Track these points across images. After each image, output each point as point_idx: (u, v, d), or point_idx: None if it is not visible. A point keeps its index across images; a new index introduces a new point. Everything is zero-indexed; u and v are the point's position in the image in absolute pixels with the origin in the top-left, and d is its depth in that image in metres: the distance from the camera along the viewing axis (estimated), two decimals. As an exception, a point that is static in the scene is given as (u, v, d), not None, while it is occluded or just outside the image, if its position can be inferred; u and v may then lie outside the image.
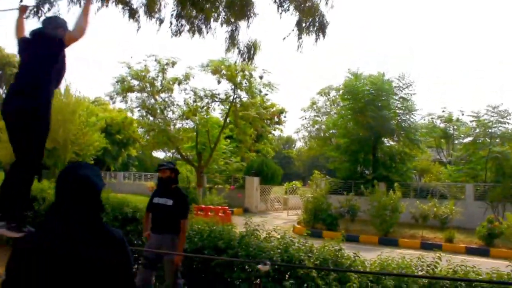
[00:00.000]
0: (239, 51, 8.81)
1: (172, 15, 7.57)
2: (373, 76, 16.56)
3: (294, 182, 20.63)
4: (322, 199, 13.07)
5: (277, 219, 17.03)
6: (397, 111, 16.22)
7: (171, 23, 7.50)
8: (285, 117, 28.35)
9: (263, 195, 20.27)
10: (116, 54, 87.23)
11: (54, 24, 2.86)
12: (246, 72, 16.72)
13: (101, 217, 1.45)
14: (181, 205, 4.41)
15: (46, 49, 2.69)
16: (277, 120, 26.88)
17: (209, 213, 14.48)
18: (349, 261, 4.04)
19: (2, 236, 2.78)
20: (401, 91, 16.68)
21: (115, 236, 1.40)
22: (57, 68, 2.71)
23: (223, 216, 14.42)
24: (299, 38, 8.03)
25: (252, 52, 9.08)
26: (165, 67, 17.43)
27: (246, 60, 9.15)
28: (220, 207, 15.29)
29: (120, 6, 7.07)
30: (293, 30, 8.13)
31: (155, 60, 17.31)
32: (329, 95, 24.93)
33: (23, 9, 3.14)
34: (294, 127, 64.40)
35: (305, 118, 25.69)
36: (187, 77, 17.69)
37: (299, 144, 43.34)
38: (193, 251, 4.58)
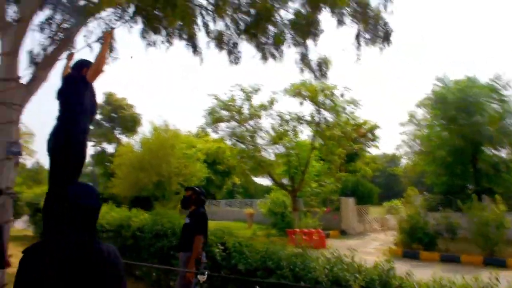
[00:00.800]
0: (311, 69, 9.63)
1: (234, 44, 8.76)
2: (461, 81, 15.63)
3: (393, 201, 20.02)
4: (418, 217, 12.59)
5: (375, 240, 16.77)
6: (495, 115, 14.87)
7: (230, 52, 8.71)
8: (373, 134, 27.50)
9: (361, 216, 20.08)
10: (206, 87, 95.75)
11: (79, 65, 3.49)
12: (327, 92, 17.31)
13: (96, 233, 1.67)
14: (196, 222, 4.83)
15: (72, 87, 3.32)
16: (371, 137, 26.37)
17: (303, 237, 14.72)
18: (399, 282, 3.86)
19: None
20: (499, 93, 15.29)
21: (108, 250, 1.62)
22: (85, 100, 3.27)
23: (316, 239, 14.80)
24: (359, 48, 8.53)
25: (324, 68, 9.82)
26: (250, 94, 18.96)
27: (319, 77, 9.91)
28: (313, 230, 15.60)
29: (184, 42, 8.59)
30: (355, 42, 8.69)
31: (240, 89, 18.90)
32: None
33: (70, 57, 3.93)
34: (394, 143, 61.43)
35: (405, 133, 24.78)
36: (271, 102, 18.81)
37: (404, 161, 41.35)
38: (248, 272, 4.81)
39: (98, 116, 40.25)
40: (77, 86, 3.26)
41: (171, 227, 6.45)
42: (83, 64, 3.54)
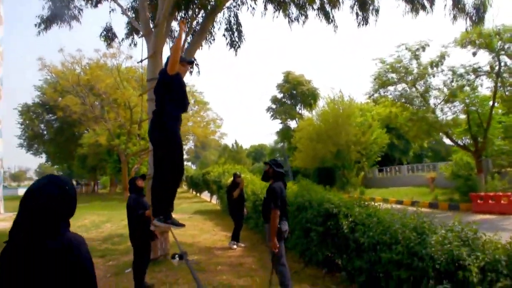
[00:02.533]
0: (467, 14, 10.23)
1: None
2: None
3: None
4: None
5: None
6: None
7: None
8: None
9: None
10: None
11: (166, 60, 3.70)
12: (507, 34, 16.27)
13: (63, 223, 1.78)
14: (269, 197, 5.26)
15: (160, 79, 3.63)
16: None
17: (489, 201, 14.86)
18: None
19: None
20: None
21: (71, 240, 1.74)
22: (170, 91, 3.53)
23: (505, 204, 14.39)
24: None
25: (481, 11, 10.26)
26: (417, 52, 19.16)
27: (476, 22, 10.43)
28: (501, 194, 15.11)
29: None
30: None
31: (406, 48, 19.14)
32: None
33: (182, 23, 3.71)
34: None
35: None
36: (441, 56, 18.51)
37: None
38: (370, 246, 4.96)
39: (279, 95, 46.30)
40: (162, 77, 3.58)
41: (308, 199, 7.04)
42: (167, 58, 3.77)
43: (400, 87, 20.55)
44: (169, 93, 3.52)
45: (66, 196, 1.82)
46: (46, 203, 1.74)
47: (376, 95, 21.37)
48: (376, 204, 6.14)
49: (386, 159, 33.88)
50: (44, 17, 10.47)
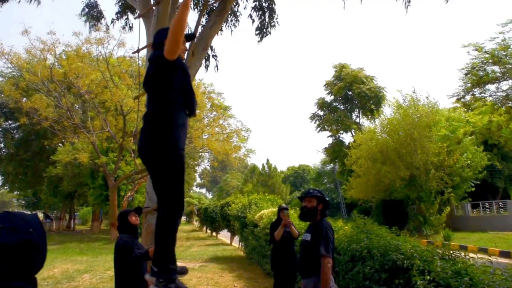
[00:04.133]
0: None
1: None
2: None
3: None
4: None
5: None
6: None
7: None
8: None
9: None
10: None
11: (157, 37, 3.70)
12: None
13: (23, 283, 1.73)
14: (319, 239, 5.26)
15: (150, 68, 3.54)
16: None
17: None
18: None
19: None
20: None
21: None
22: (174, 84, 3.49)
23: None
24: None
25: None
26: None
27: None
28: None
29: None
30: None
31: None
32: None
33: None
34: None
35: None
36: None
37: None
38: None
39: (328, 97, 46.28)
40: (157, 66, 3.48)
41: (367, 247, 6.91)
42: (160, 35, 3.70)
43: (505, 85, 20.16)
44: (170, 88, 3.47)
45: (30, 246, 1.74)
46: None
47: (468, 97, 21.01)
48: (468, 256, 5.97)
49: (483, 189, 33.13)
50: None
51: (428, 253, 6.02)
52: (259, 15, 11.12)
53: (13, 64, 31.22)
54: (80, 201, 43.24)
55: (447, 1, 10.85)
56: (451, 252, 6.08)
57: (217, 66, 11.26)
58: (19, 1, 10.96)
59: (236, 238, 21.08)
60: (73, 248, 25.02)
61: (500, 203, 30.99)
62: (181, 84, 3.53)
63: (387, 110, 45.52)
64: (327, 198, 5.63)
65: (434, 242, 17.72)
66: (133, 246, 5.60)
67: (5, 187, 50.22)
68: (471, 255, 5.94)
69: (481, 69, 19.92)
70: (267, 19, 11.10)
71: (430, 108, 28.41)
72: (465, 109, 28.13)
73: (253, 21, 11.16)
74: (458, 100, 21.79)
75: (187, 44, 4.49)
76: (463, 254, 6.05)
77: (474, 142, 28.49)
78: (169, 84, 3.45)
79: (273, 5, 11.19)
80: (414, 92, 28.86)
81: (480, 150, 28.70)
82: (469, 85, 20.48)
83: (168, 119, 3.44)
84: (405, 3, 11.04)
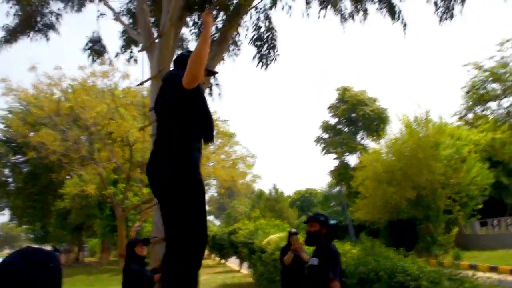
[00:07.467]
0: None
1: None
2: None
3: None
4: None
5: None
6: None
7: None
8: None
9: None
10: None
11: (178, 63, 3.58)
12: None
13: None
14: (327, 263, 5.22)
15: (170, 95, 3.38)
16: None
17: None
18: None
19: None
20: None
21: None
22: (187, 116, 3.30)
23: None
24: None
25: None
26: None
27: None
28: None
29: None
30: None
31: None
32: None
33: (207, 14, 3.44)
34: None
35: None
36: None
37: None
38: None
39: (332, 120, 46.30)
40: (175, 96, 3.31)
41: (374, 269, 6.85)
42: (182, 60, 3.48)
43: (507, 101, 20.21)
44: (186, 113, 3.28)
45: (51, 282, 1.77)
46: None
47: (470, 115, 21.02)
48: (477, 275, 5.96)
49: (491, 206, 32.80)
50: (10, 27, 10.93)
51: (435, 273, 5.98)
52: (259, 44, 11.17)
53: (20, 99, 31.75)
54: (88, 232, 42.99)
55: (441, 21, 10.95)
56: (458, 272, 6.06)
57: (220, 94, 11.33)
58: (31, 39, 11.08)
59: (245, 264, 20.94)
60: (82, 280, 24.95)
61: (508, 220, 30.77)
62: (197, 108, 3.33)
63: (394, 128, 45.33)
64: (332, 222, 5.70)
65: (443, 262, 17.57)
66: (142, 273, 5.56)
67: (13, 222, 50.21)
68: (480, 274, 5.91)
69: (481, 87, 19.97)
70: (268, 49, 11.15)
71: (436, 126, 28.24)
72: (468, 127, 28.08)
73: (258, 49, 11.21)
74: (460, 118, 21.78)
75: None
76: (470, 273, 6.04)
77: (479, 159, 28.31)
78: (186, 109, 3.26)
79: (274, 33, 11.25)
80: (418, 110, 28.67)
81: (485, 167, 28.51)
82: (470, 103, 20.49)
83: (186, 143, 3.20)
84: (402, 26, 11.18)
